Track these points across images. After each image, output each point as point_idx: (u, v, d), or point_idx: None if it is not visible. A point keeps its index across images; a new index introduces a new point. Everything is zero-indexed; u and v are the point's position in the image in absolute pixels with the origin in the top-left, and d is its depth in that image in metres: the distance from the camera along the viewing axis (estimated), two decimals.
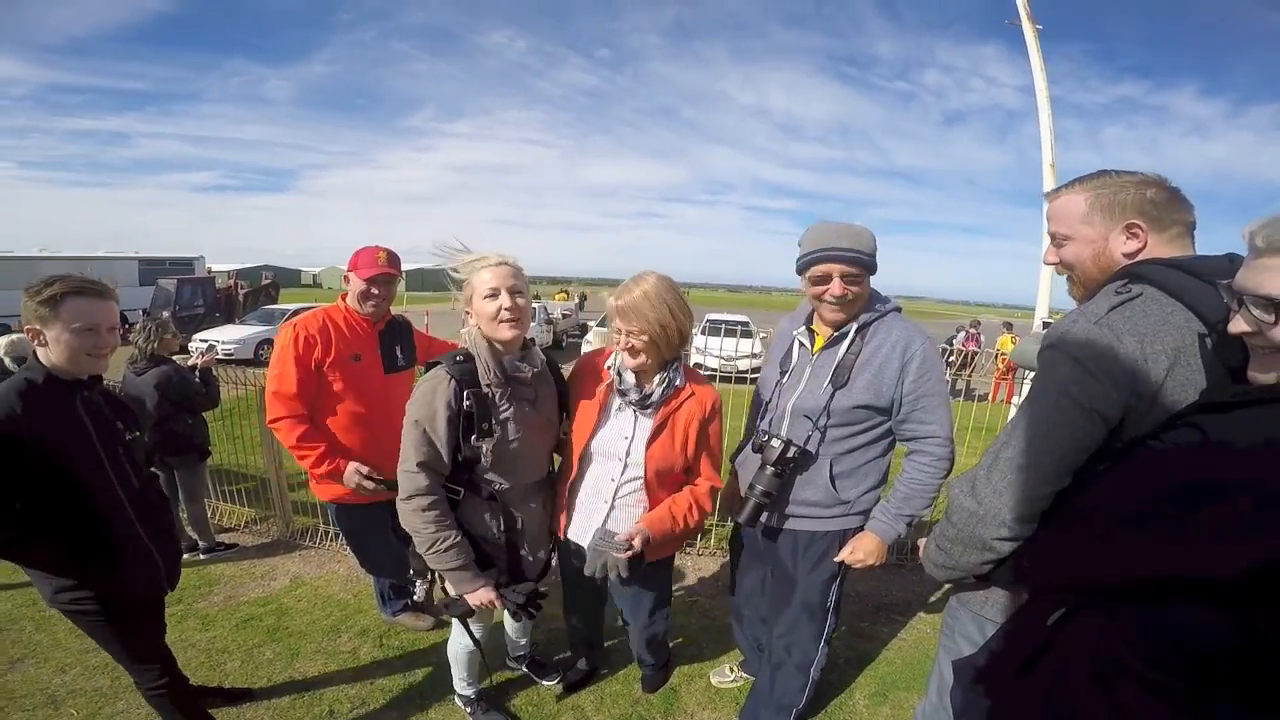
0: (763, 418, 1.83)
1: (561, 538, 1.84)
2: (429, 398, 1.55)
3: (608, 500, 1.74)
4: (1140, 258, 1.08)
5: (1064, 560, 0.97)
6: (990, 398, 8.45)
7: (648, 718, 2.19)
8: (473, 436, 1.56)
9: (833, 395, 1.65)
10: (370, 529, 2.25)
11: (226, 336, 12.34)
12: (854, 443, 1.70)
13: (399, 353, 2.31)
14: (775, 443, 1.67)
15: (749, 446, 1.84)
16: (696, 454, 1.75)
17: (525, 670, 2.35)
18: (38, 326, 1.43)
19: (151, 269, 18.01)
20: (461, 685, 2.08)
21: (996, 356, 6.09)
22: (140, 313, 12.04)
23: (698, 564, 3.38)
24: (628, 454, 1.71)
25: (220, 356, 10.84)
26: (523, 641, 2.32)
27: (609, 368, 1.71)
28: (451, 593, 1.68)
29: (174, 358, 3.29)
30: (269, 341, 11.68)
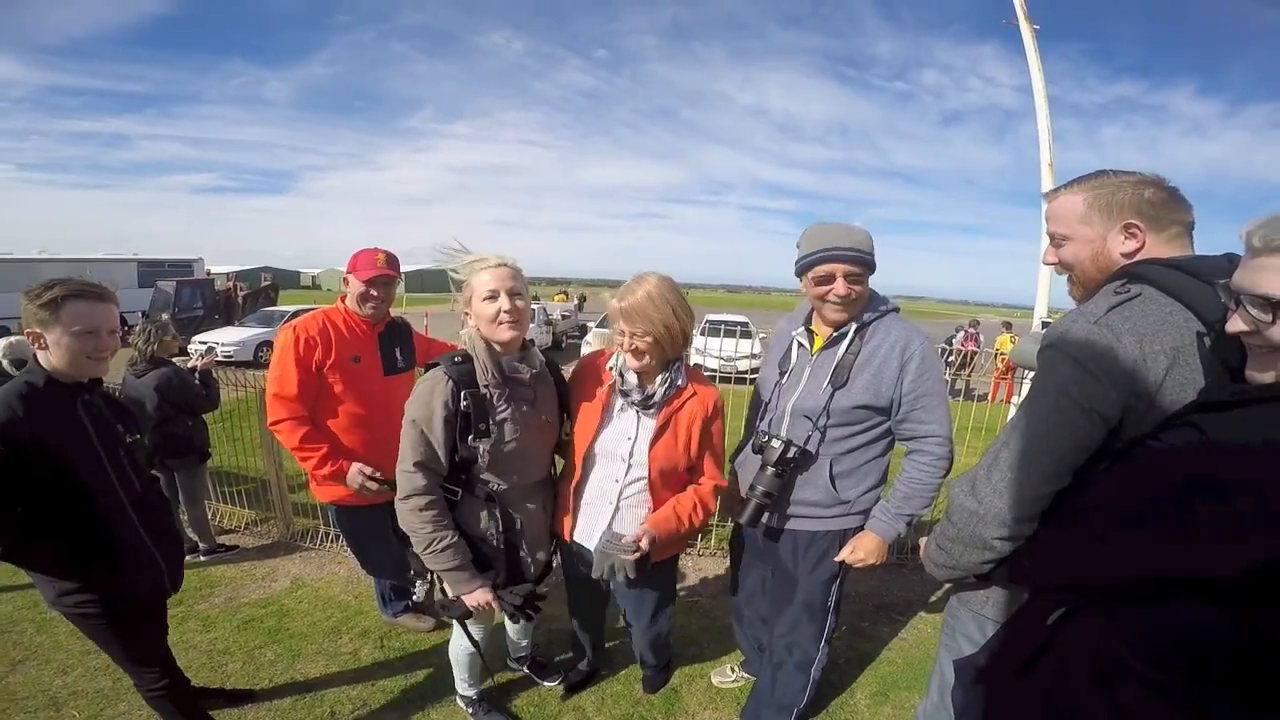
0: (762, 418, 1.84)
1: (567, 540, 1.84)
2: (426, 398, 1.55)
3: (612, 501, 1.74)
4: (1139, 257, 1.08)
5: (1064, 560, 0.97)
6: (990, 397, 8.45)
7: (649, 718, 2.19)
8: (470, 437, 1.56)
9: (832, 395, 1.65)
10: (370, 530, 2.25)
11: (226, 338, 12.33)
12: (854, 443, 1.70)
13: (398, 354, 2.31)
14: (775, 443, 1.67)
15: (748, 447, 1.84)
16: (700, 453, 1.75)
17: (526, 671, 2.35)
18: (38, 330, 1.43)
19: (151, 271, 18.01)
20: (463, 686, 2.09)
21: (996, 356, 6.09)
22: (139, 315, 12.04)
23: (698, 564, 3.38)
24: (631, 454, 1.71)
25: (220, 358, 10.83)
26: (524, 643, 2.32)
27: (611, 368, 1.71)
28: (450, 593, 1.68)
29: (173, 360, 3.28)
30: (268, 343, 11.68)
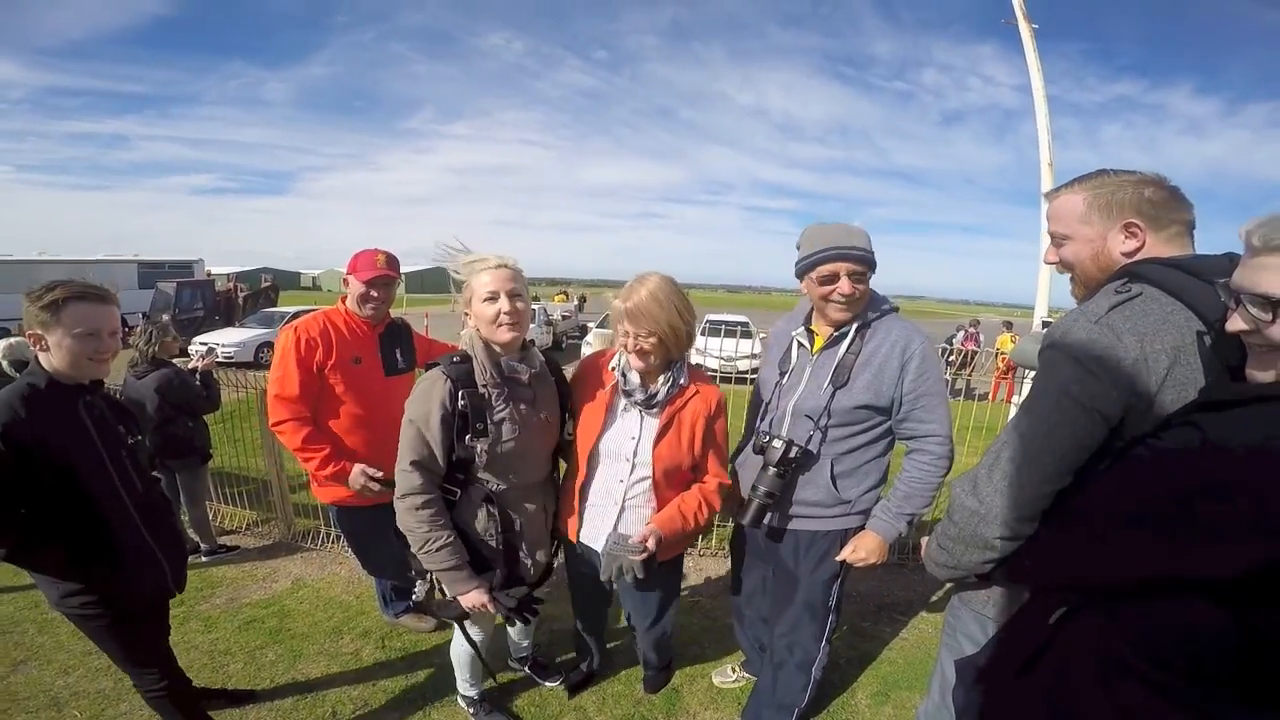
0: (763, 419, 1.84)
1: (574, 541, 1.84)
2: (424, 398, 1.56)
3: (617, 502, 1.74)
4: (1139, 257, 1.08)
5: (1065, 559, 0.97)
6: (990, 397, 8.45)
7: (650, 718, 2.19)
8: (467, 436, 1.56)
9: (833, 395, 1.65)
10: (372, 531, 2.25)
11: (226, 339, 12.33)
12: (854, 442, 1.70)
13: (399, 355, 2.31)
14: (777, 444, 1.67)
15: (749, 448, 1.84)
16: (703, 452, 1.75)
17: (527, 671, 2.35)
18: (39, 331, 1.43)
19: (151, 272, 18.01)
20: (464, 686, 2.09)
21: (996, 356, 6.09)
22: (140, 316, 12.04)
23: (699, 564, 3.38)
24: (635, 454, 1.71)
25: (220, 359, 10.84)
26: (525, 643, 2.32)
27: (613, 369, 1.72)
28: (447, 594, 1.69)
29: (174, 361, 3.29)
30: (269, 344, 11.69)
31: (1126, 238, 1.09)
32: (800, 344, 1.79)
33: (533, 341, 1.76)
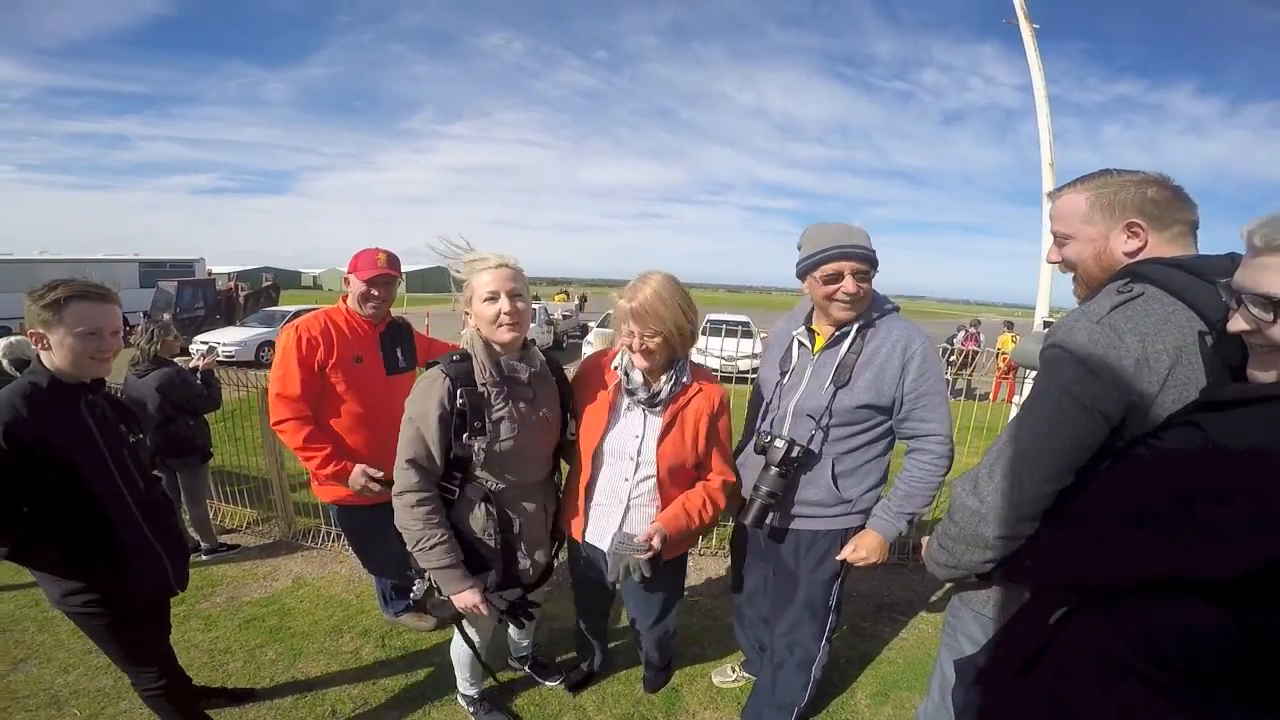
0: (764, 418, 1.84)
1: (580, 541, 1.84)
2: (423, 396, 1.56)
3: (623, 501, 1.75)
4: (1141, 257, 1.08)
5: (1065, 559, 0.97)
6: (991, 397, 8.44)
7: (650, 717, 2.19)
8: (465, 435, 1.56)
9: (835, 395, 1.65)
10: (372, 529, 2.25)
11: (227, 338, 12.34)
12: (855, 442, 1.70)
13: (400, 354, 2.31)
14: (779, 443, 1.67)
15: (750, 448, 1.84)
16: (707, 449, 1.75)
17: (527, 671, 2.35)
18: (41, 330, 1.43)
19: (152, 271, 18.02)
20: (464, 685, 2.09)
21: (998, 356, 6.09)
22: (141, 315, 12.05)
23: (699, 564, 3.38)
24: (639, 453, 1.71)
25: (221, 358, 10.85)
26: (525, 642, 2.32)
27: (616, 368, 1.72)
28: (442, 593, 1.68)
29: (175, 360, 3.29)
30: (270, 343, 11.69)
31: (1129, 237, 1.09)
32: (801, 343, 1.79)
33: (533, 341, 1.76)
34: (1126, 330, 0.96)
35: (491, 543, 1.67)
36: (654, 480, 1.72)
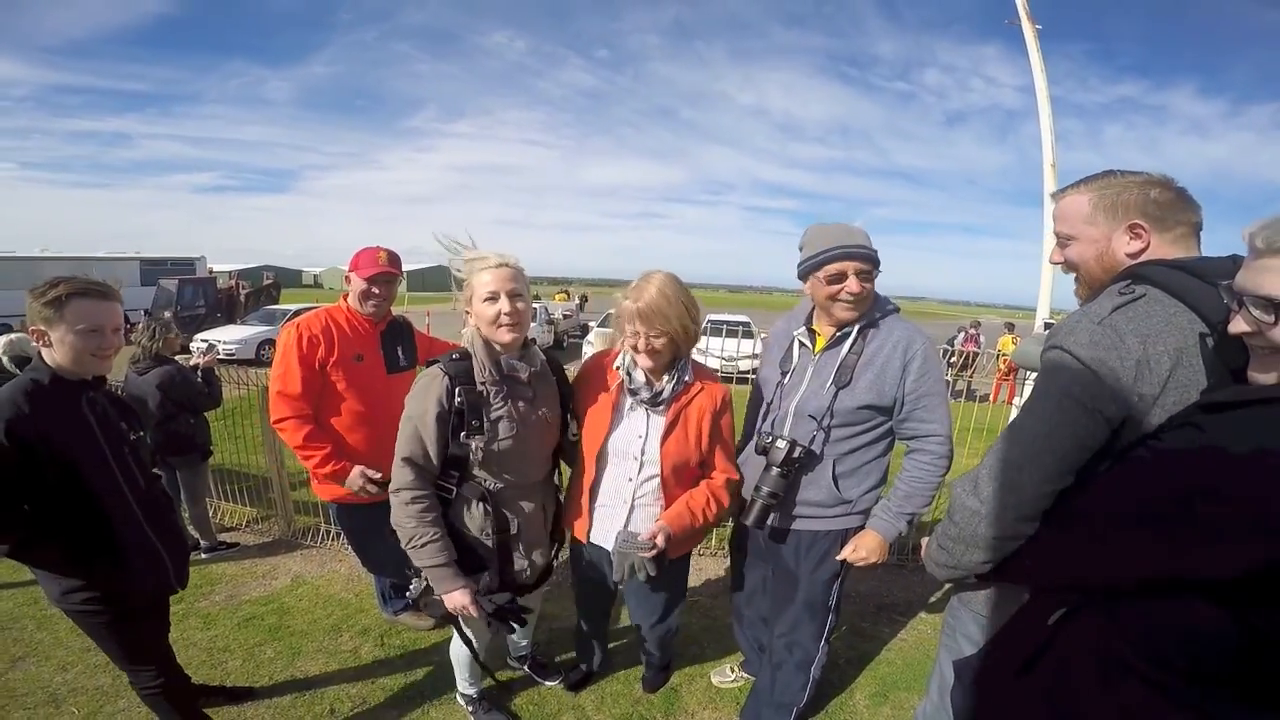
0: (764, 419, 1.84)
1: (584, 542, 1.84)
2: (422, 394, 1.56)
3: (627, 501, 1.75)
4: (1144, 258, 1.08)
5: (1065, 560, 0.97)
6: (991, 398, 8.44)
7: (649, 717, 2.19)
8: (463, 434, 1.56)
9: (836, 395, 1.65)
10: (371, 528, 2.25)
11: (228, 336, 12.36)
12: (856, 442, 1.70)
13: (400, 353, 2.31)
14: (780, 444, 1.67)
15: (750, 448, 1.84)
16: (710, 448, 1.75)
17: (526, 670, 2.35)
18: (43, 328, 1.43)
19: (153, 269, 18.04)
20: (463, 685, 2.09)
21: (998, 357, 6.09)
22: (142, 313, 12.07)
23: (699, 564, 3.38)
24: (643, 452, 1.71)
25: (222, 356, 10.86)
26: (524, 642, 2.31)
27: (618, 368, 1.72)
28: (436, 592, 1.68)
29: (176, 358, 3.29)
30: (270, 342, 11.70)
31: (1131, 239, 1.09)
32: (802, 344, 1.79)
33: (534, 340, 1.76)
34: (1128, 332, 0.96)
35: (489, 543, 1.67)
36: (658, 479, 1.72)
